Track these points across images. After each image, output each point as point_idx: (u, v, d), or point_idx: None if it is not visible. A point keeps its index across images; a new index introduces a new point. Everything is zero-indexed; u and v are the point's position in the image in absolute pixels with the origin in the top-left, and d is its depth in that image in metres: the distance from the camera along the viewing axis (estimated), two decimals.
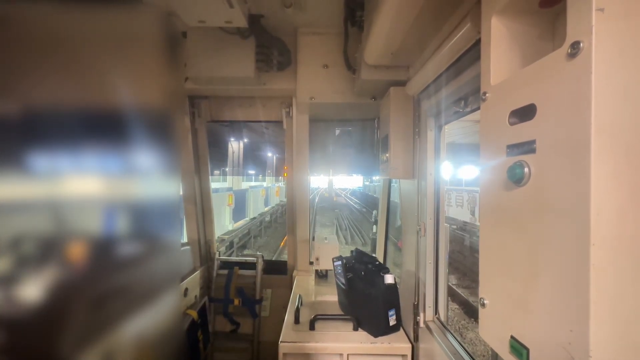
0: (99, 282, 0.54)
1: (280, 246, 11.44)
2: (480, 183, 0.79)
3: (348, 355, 1.59)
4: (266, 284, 2.61)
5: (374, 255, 2.83)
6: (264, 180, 26.28)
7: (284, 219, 6.95)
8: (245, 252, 10.72)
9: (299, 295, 2.02)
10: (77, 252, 0.52)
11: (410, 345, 1.60)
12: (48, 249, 0.48)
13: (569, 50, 0.52)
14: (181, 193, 2.43)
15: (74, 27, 0.50)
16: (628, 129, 0.49)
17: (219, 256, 2.66)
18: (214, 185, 3.91)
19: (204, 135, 2.49)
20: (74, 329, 0.50)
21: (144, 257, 0.62)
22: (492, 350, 0.92)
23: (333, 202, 29.94)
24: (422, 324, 1.59)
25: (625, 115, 0.49)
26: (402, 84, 1.62)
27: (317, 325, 1.71)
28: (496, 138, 0.71)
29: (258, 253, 2.86)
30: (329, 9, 1.84)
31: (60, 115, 0.49)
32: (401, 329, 1.71)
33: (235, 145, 16.96)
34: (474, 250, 8.70)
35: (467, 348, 1.33)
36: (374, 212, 7.11)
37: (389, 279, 1.64)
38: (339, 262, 1.86)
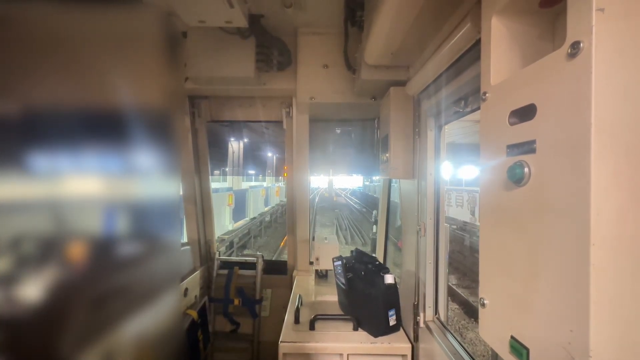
0: (99, 282, 0.54)
1: (280, 246, 11.44)
2: (480, 183, 0.79)
3: (348, 355, 1.59)
4: (266, 284, 2.61)
5: (374, 255, 2.83)
6: (264, 180, 26.27)
7: (284, 219, 6.95)
8: (245, 252, 10.71)
9: (299, 295, 2.02)
10: (77, 252, 0.52)
11: (410, 345, 1.60)
12: (48, 249, 0.48)
13: (569, 50, 0.52)
14: (181, 193, 2.43)
15: (74, 27, 0.50)
16: (628, 129, 0.49)
17: (219, 256, 2.66)
18: (214, 185, 3.91)
19: (204, 135, 2.49)
20: (74, 329, 0.50)
21: (144, 257, 0.62)
22: (492, 350, 0.92)
23: (333, 202, 29.94)
24: (422, 324, 1.59)
25: (625, 115, 0.49)
26: (402, 84, 1.62)
27: (317, 325, 1.71)
28: (496, 138, 0.71)
29: (258, 253, 2.86)
30: (329, 9, 1.84)
31: (60, 115, 0.49)
32: (401, 329, 1.71)
33: (235, 145, 16.96)
34: (474, 250, 8.70)
35: (467, 348, 1.33)
36: (374, 212, 7.11)
37: (389, 279, 1.65)
38: (339, 262, 1.86)
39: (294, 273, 2.53)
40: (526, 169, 0.62)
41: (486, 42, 0.77)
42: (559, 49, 0.54)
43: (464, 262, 8.39)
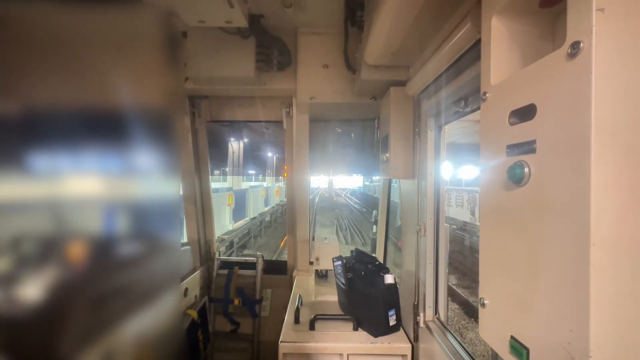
0: (99, 282, 0.54)
1: (280, 246, 11.44)
2: (480, 183, 0.79)
3: (348, 355, 1.59)
4: (266, 284, 2.61)
5: (374, 255, 2.83)
6: (264, 180, 26.28)
7: (284, 219, 6.95)
8: (245, 252, 10.71)
9: (299, 295, 2.02)
10: (77, 252, 0.52)
11: (410, 345, 1.60)
12: (48, 249, 0.48)
13: (569, 50, 0.52)
14: (181, 193, 2.43)
15: (74, 27, 0.50)
16: (628, 129, 0.49)
17: (219, 256, 2.66)
18: (214, 185, 3.92)
19: (204, 135, 2.49)
20: (74, 329, 0.50)
21: (144, 257, 0.62)
22: (492, 350, 0.92)
23: (333, 202, 29.94)
24: (422, 324, 1.59)
25: (625, 115, 0.49)
26: (402, 84, 1.62)
27: (317, 325, 1.71)
28: (496, 138, 0.71)
29: (258, 253, 2.86)
30: (329, 9, 1.84)
31: (60, 115, 0.49)
32: (401, 329, 1.71)
33: (235, 145, 16.96)
34: (474, 250, 8.70)
35: (467, 348, 1.33)
36: (374, 212, 7.11)
37: (389, 279, 1.64)
38: (339, 262, 1.86)
39: (294, 273, 2.53)
40: (526, 169, 0.62)
41: (486, 42, 0.77)
42: (559, 49, 0.54)
43: (464, 262, 8.39)
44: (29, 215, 0.46)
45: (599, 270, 0.49)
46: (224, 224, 11.17)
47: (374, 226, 5.64)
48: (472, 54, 1.03)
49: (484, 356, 4.46)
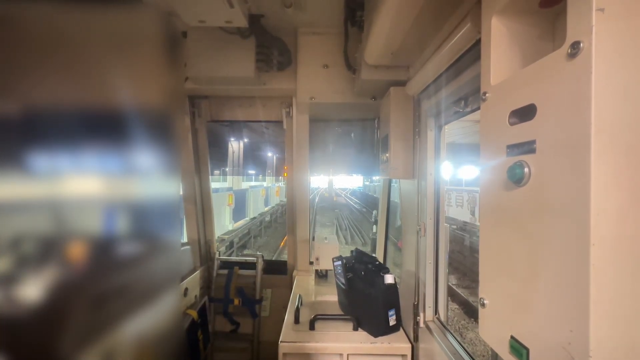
0: (99, 282, 0.54)
1: (280, 246, 11.44)
2: (480, 183, 0.79)
3: (348, 355, 1.59)
4: (266, 283, 2.61)
5: (374, 255, 2.83)
6: (264, 180, 26.27)
7: (284, 219, 6.95)
8: (245, 252, 10.71)
9: (299, 295, 2.02)
10: (77, 252, 0.52)
11: (410, 345, 1.60)
12: (48, 249, 0.48)
13: (569, 50, 0.52)
14: (181, 193, 2.43)
15: (74, 27, 0.50)
16: (628, 129, 0.49)
17: (219, 256, 2.66)
18: (214, 185, 3.92)
19: (204, 135, 2.49)
20: (74, 329, 0.50)
21: (144, 257, 0.62)
22: (492, 350, 0.92)
23: (333, 202, 29.94)
24: (422, 324, 1.59)
25: (625, 115, 0.49)
26: (402, 84, 1.62)
27: (317, 325, 1.71)
28: (496, 138, 0.71)
29: (258, 253, 2.86)
30: (329, 9, 1.84)
31: (60, 115, 0.49)
32: (401, 329, 1.71)
33: (235, 145, 16.95)
34: (473, 250, 8.70)
35: (467, 348, 1.33)
36: (374, 212, 7.11)
37: (389, 279, 1.64)
38: (339, 262, 1.86)
39: (294, 273, 2.53)
40: (526, 169, 0.62)
41: (486, 42, 0.77)
42: (559, 49, 0.54)
43: (464, 262, 8.39)
44: (29, 215, 0.46)
45: (599, 270, 0.49)
46: (224, 224, 11.17)
47: (374, 226, 5.64)
48: (472, 54, 1.03)
49: (484, 356, 4.46)
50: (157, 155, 0.62)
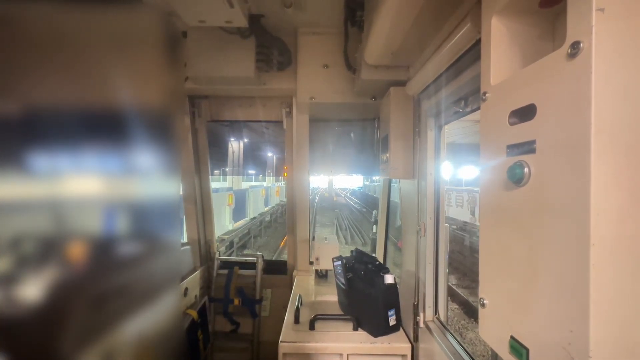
0: (99, 282, 0.54)
1: (280, 246, 11.44)
2: (480, 183, 0.79)
3: (348, 355, 1.59)
4: (266, 283, 2.61)
5: (374, 255, 2.83)
6: (264, 180, 26.27)
7: (284, 219, 6.95)
8: (245, 252, 10.71)
9: (299, 295, 2.02)
10: (77, 252, 0.52)
11: (410, 345, 1.60)
12: (48, 249, 0.48)
13: (569, 50, 0.52)
14: (181, 193, 2.43)
15: (74, 27, 0.50)
16: (628, 129, 0.49)
17: (219, 256, 2.66)
18: (214, 185, 3.92)
19: (204, 135, 2.49)
20: (74, 329, 0.50)
21: (144, 256, 0.62)
22: (492, 350, 0.92)
23: (333, 202, 29.94)
24: (422, 324, 1.59)
25: (625, 115, 0.49)
26: (402, 84, 1.62)
27: (317, 325, 1.71)
28: (496, 138, 0.71)
29: (258, 253, 2.86)
30: (329, 9, 1.84)
31: (60, 115, 0.49)
32: (401, 329, 1.71)
33: (235, 145, 16.95)
34: (473, 250, 8.70)
35: (466, 348, 1.33)
36: (374, 212, 7.11)
37: (388, 279, 1.64)
38: (339, 262, 1.86)
39: (294, 273, 2.53)
40: (526, 169, 0.62)
41: (486, 42, 0.77)
42: (559, 49, 0.54)
43: (463, 262, 8.39)
44: (29, 215, 0.46)
45: (599, 270, 0.49)
46: (224, 224, 11.17)
47: (374, 226, 5.63)
48: (472, 54, 1.03)
49: (483, 356, 4.46)
50: (157, 155, 0.62)
